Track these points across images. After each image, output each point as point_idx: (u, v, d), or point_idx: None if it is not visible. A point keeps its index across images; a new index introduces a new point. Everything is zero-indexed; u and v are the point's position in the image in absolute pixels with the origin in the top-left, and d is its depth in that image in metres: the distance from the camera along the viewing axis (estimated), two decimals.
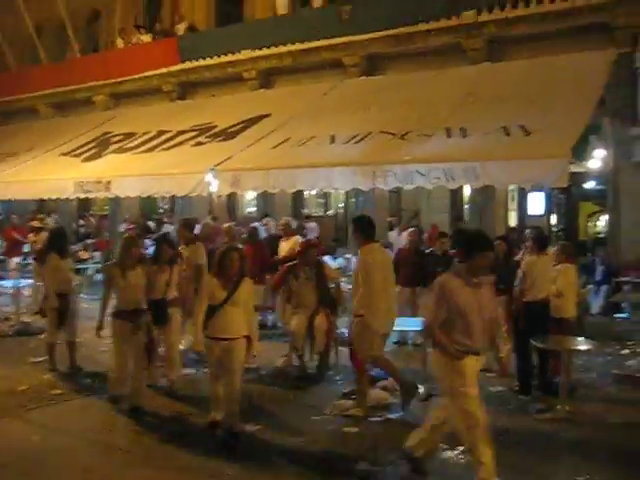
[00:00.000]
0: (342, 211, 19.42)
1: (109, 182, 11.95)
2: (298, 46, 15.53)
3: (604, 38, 12.14)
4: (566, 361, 7.08)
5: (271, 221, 15.12)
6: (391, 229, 16.40)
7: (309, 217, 18.42)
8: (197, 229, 12.85)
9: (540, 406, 7.13)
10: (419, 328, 8.20)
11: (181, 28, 18.59)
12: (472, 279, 4.88)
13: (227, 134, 12.75)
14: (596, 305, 12.36)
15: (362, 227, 7.06)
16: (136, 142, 14.00)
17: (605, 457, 5.85)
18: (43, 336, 10.11)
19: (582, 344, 7.22)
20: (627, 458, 5.85)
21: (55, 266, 8.62)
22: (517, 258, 8.88)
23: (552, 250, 8.27)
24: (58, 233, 9.17)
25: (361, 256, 6.91)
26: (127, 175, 12.07)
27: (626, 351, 9.80)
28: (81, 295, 14.06)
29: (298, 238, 10.70)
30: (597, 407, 7.22)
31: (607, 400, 7.52)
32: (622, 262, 12.68)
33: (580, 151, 12.78)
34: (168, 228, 18.26)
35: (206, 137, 12.95)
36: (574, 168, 11.58)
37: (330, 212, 20.22)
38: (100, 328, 7.04)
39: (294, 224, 12.26)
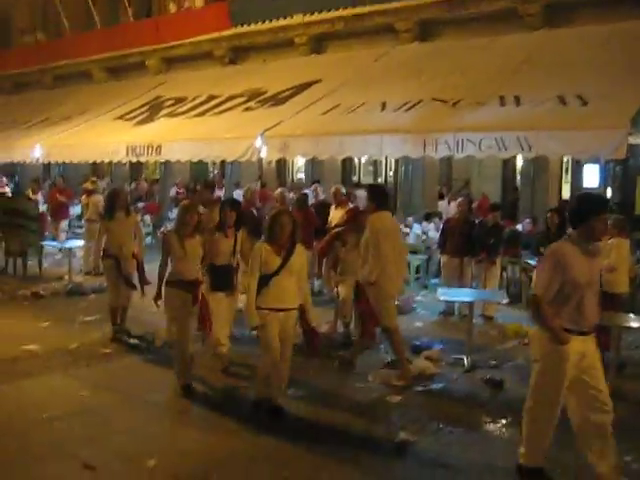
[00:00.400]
0: (392, 179, 19.23)
1: (160, 146, 12.03)
2: (350, 11, 15.28)
3: None
4: (616, 337, 6.93)
5: (320, 187, 15.06)
6: (441, 198, 16.20)
7: (359, 185, 18.29)
8: (238, 194, 12.96)
9: None
10: (466, 299, 8.16)
11: None
12: (588, 246, 4.50)
13: (277, 100, 12.69)
14: None
15: (374, 195, 7.29)
16: (187, 106, 14.06)
17: None
18: (93, 296, 10.39)
19: (634, 321, 7.05)
20: None
21: (105, 228, 8.70)
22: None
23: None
24: (108, 195, 9.24)
25: (370, 224, 7.05)
26: (178, 139, 12.14)
27: None
28: None
29: (350, 206, 10.65)
30: None
31: None
32: None
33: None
34: (218, 193, 18.45)
35: (256, 102, 12.91)
36: (633, 140, 11.18)
37: (379, 180, 20.05)
38: (158, 297, 6.80)
39: (344, 192, 12.19)
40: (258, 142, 10.43)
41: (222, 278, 7.16)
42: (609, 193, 18.69)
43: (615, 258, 7.53)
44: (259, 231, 6.97)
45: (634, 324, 7.06)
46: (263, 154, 10.53)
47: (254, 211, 10.88)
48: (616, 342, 6.94)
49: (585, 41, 11.27)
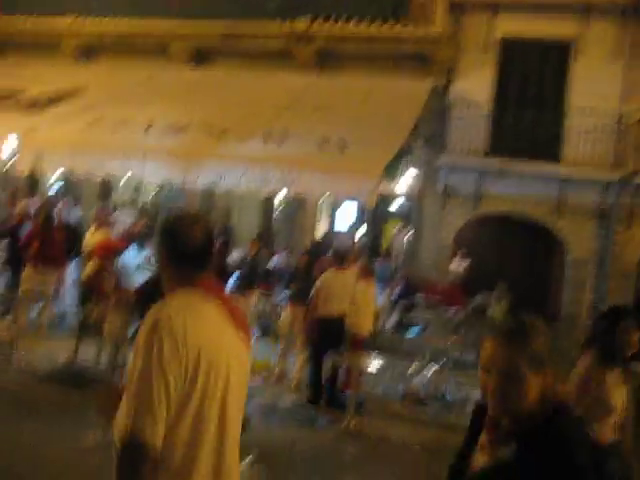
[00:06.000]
0: (153, 201, 18.66)
1: None
2: (126, 22, 14.73)
3: (423, 68, 12.70)
4: (356, 376, 7.21)
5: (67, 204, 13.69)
6: None
7: (125, 206, 17.36)
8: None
9: (328, 419, 7.21)
10: None
11: None
12: None
13: (38, 103, 11.81)
14: (391, 321, 12.80)
15: None
16: None
17: (388, 472, 5.98)
18: None
19: (374, 361, 7.40)
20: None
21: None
22: None
23: (355, 265, 8.43)
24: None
25: None
26: None
27: (413, 368, 10.24)
28: None
29: (109, 230, 9.87)
30: (382, 422, 7.41)
31: (392, 416, 7.75)
32: (419, 281, 13.29)
33: (391, 172, 13.26)
34: None
35: (13, 103, 11.92)
36: (383, 187, 11.98)
37: (140, 201, 19.36)
38: None
39: (108, 213, 11.28)
40: (9, 147, 9.61)
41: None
42: (361, 232, 19.85)
43: (362, 301, 7.83)
44: None
45: (373, 364, 7.41)
46: (14, 161, 9.72)
47: None
48: (356, 381, 7.20)
49: (350, 90, 11.89)
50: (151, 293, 3.47)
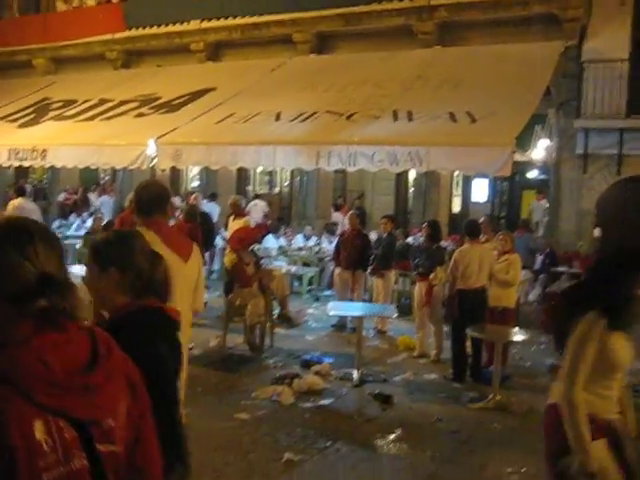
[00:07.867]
0: (287, 189, 19.19)
1: (45, 150, 11.48)
2: (248, 20, 15.17)
3: (553, 29, 12.16)
4: (500, 351, 7.08)
5: (200, 196, 14.53)
6: (337, 209, 16.25)
7: (259, 196, 18.00)
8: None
9: (473, 395, 7.14)
10: (355, 313, 8.15)
11: None
12: None
13: (171, 106, 12.38)
14: (534, 293, 12.49)
15: None
16: (76, 110, 13.49)
17: (534, 448, 5.86)
18: None
19: (517, 334, 7.24)
20: None
21: None
22: (445, 245, 8.94)
23: (495, 238, 8.32)
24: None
25: None
26: (64, 144, 11.62)
27: None
28: None
29: (248, 219, 10.36)
30: (529, 397, 7.24)
31: (539, 390, 7.55)
32: (560, 252, 12.85)
33: (525, 140, 12.85)
34: (108, 201, 17.85)
35: (149, 108, 12.55)
36: (518, 157, 11.65)
37: (275, 190, 19.96)
38: None
39: (243, 203, 11.80)
40: (150, 150, 10.12)
41: None
42: (497, 206, 19.42)
43: (513, 275, 7.71)
44: None
45: (517, 338, 7.25)
46: (154, 162, 10.24)
47: None
48: (500, 355, 7.08)
49: (475, 60, 11.61)
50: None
